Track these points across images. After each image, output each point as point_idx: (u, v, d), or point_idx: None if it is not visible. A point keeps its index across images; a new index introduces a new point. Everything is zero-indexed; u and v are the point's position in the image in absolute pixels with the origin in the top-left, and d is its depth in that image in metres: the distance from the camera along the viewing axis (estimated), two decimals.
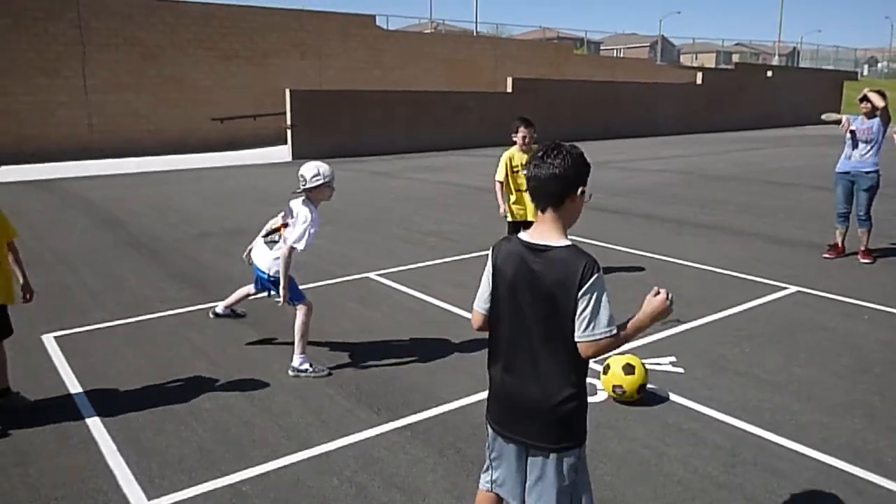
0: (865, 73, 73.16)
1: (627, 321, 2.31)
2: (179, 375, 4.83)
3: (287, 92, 20.45)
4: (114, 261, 8.17)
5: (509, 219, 6.77)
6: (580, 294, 2.19)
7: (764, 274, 7.26)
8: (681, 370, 4.85)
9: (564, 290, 2.21)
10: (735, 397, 4.42)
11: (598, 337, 2.21)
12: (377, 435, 3.99)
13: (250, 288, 5.41)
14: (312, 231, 4.74)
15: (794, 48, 69.55)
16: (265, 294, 5.24)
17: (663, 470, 3.60)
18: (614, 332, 2.23)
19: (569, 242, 2.29)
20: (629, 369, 4.30)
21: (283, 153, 20.64)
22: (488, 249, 2.50)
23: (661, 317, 2.33)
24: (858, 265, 7.69)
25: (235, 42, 23.74)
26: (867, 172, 7.70)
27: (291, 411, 4.28)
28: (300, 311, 4.87)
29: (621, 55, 61.09)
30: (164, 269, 7.80)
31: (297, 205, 4.85)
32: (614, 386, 4.32)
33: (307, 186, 4.79)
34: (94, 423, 4.11)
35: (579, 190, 2.30)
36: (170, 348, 5.35)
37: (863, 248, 7.84)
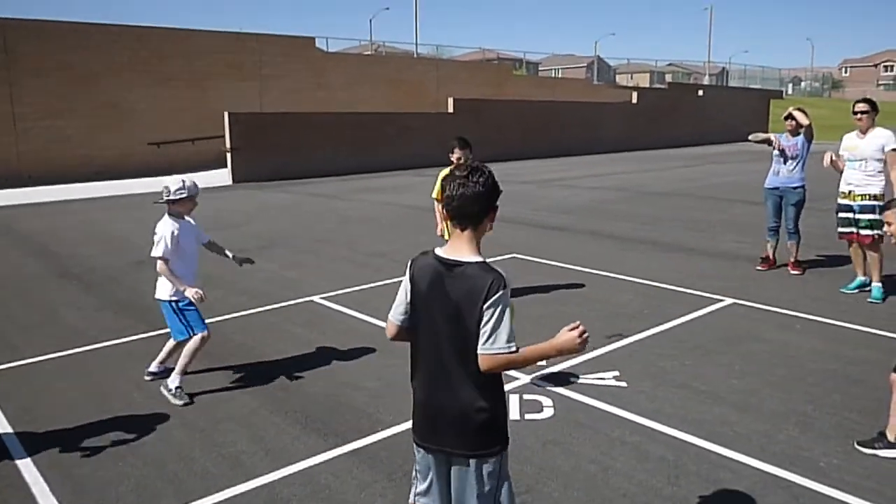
0: (790, 91, 76.44)
1: (538, 345, 2.34)
2: (116, 409, 4.67)
3: (226, 115, 20.18)
4: (46, 292, 7.88)
5: (446, 237, 6.78)
6: (485, 308, 2.25)
7: (702, 287, 7.47)
8: (624, 384, 4.94)
9: (471, 303, 2.28)
10: (677, 409, 4.52)
11: (496, 352, 2.26)
12: (324, 461, 3.93)
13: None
14: (169, 236, 4.75)
15: (724, 68, 72.12)
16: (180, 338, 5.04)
17: (609, 484, 3.65)
18: (513, 349, 2.26)
19: (481, 259, 2.35)
20: None
21: (223, 177, 20.30)
22: None
23: (570, 352, 2.34)
24: (789, 276, 7.98)
25: (172, 65, 23.33)
26: (795, 188, 8.02)
27: (235, 441, 4.18)
28: (196, 338, 4.86)
29: (559, 75, 62.44)
30: (99, 299, 7.56)
31: (158, 225, 4.87)
32: None
33: (170, 198, 4.82)
34: (25, 464, 3.94)
35: (495, 208, 2.40)
36: (106, 381, 5.18)
37: (792, 260, 8.15)
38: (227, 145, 20.12)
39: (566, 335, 2.32)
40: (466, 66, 36.55)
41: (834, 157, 7.20)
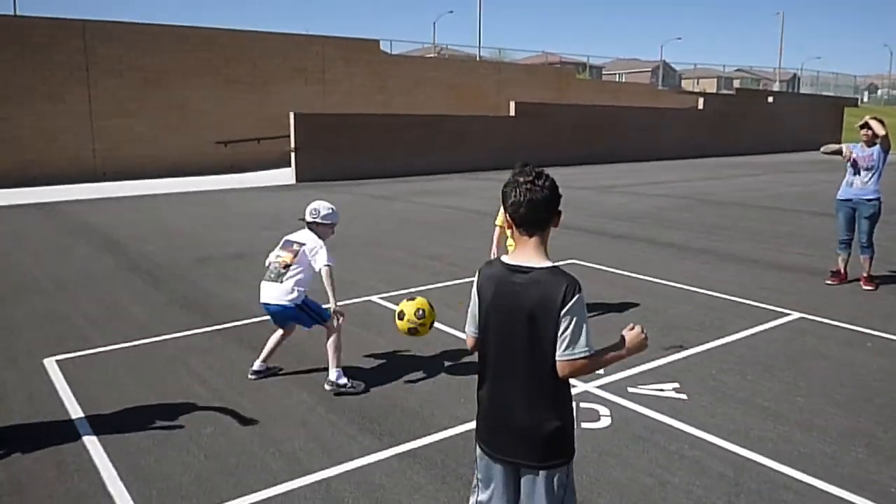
0: (865, 99, 73.60)
1: (607, 347, 2.37)
2: (180, 401, 4.82)
3: (291, 115, 20.62)
4: (114, 285, 8.19)
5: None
6: (562, 314, 2.22)
7: (766, 300, 7.25)
8: (684, 396, 4.83)
9: (546, 310, 2.24)
10: (738, 425, 4.40)
11: (576, 356, 2.24)
12: (378, 461, 3.97)
13: (277, 333, 5.27)
14: (328, 246, 4.96)
15: (795, 74, 69.91)
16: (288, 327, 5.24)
17: (666, 499, 3.57)
18: (592, 352, 2.27)
19: (551, 264, 2.31)
20: (420, 314, 4.42)
21: (287, 176, 20.75)
22: None
23: (638, 350, 2.38)
24: (861, 292, 7.68)
25: (238, 67, 23.96)
26: (869, 200, 7.72)
27: (293, 438, 4.26)
28: (331, 326, 5.02)
29: (623, 80, 61.53)
30: (164, 293, 7.81)
31: (305, 236, 5.02)
32: (399, 312, 4.43)
33: (318, 221, 4.99)
34: (95, 449, 4.10)
35: (559, 211, 2.36)
36: (170, 374, 5.34)
37: (865, 275, 7.84)
38: (292, 145, 20.54)
39: (632, 335, 2.36)
40: (528, 69, 36.38)
41: None
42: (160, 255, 9.81)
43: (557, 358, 2.26)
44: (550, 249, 2.40)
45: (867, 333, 6.24)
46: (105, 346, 5.96)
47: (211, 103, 23.35)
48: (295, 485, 3.71)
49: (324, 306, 5.03)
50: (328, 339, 5.00)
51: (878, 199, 7.72)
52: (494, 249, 6.36)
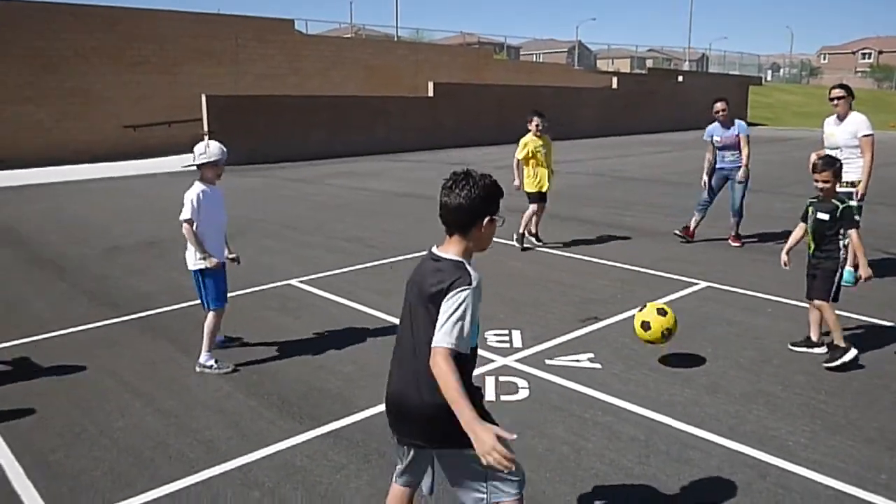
0: (769, 77, 76.95)
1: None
2: (88, 395, 4.64)
3: (203, 98, 19.94)
4: (15, 279, 7.78)
5: (531, 190, 8.74)
6: (444, 302, 2.25)
7: (674, 270, 7.55)
8: (598, 366, 5.00)
9: (436, 298, 2.28)
10: (649, 390, 4.59)
11: (445, 345, 2.19)
12: (299, 444, 3.95)
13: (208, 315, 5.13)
14: (195, 199, 4.88)
15: (703, 54, 72.24)
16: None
17: (581, 465, 3.70)
18: (453, 345, 2.18)
19: (459, 258, 2.35)
20: (662, 312, 4.94)
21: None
22: (409, 254, 2.57)
23: (479, 444, 2.08)
24: (762, 261, 8.09)
25: (144, 49, 22.93)
26: (741, 167, 8.74)
27: (210, 426, 4.18)
28: (213, 314, 5.00)
29: (540, 60, 62.29)
30: (70, 286, 7.47)
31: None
32: (643, 322, 4.93)
33: (196, 162, 4.98)
34: None
35: (486, 219, 2.36)
36: (77, 368, 5.12)
37: (733, 234, 8.99)
38: (205, 129, 19.89)
39: (489, 432, 2.07)
40: (446, 50, 36.31)
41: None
42: (64, 247, 9.36)
43: (432, 343, 2.23)
44: None
45: (768, 299, 6.59)
46: (4, 342, 5.66)
47: (115, 88, 22.27)
48: (213, 472, 3.65)
49: (198, 257, 4.92)
50: (205, 322, 5.00)
51: (746, 167, 8.74)
52: (516, 176, 8.86)
